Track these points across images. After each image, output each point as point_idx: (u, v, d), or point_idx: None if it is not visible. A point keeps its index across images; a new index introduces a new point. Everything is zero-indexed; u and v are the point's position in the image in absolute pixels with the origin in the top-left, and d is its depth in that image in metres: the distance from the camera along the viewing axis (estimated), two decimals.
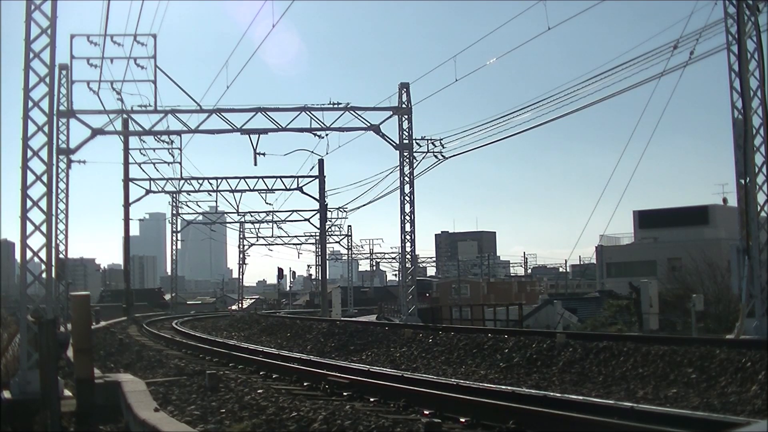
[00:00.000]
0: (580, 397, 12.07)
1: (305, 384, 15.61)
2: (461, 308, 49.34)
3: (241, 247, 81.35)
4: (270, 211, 63.96)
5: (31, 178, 14.10)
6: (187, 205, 65.11)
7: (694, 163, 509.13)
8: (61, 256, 30.27)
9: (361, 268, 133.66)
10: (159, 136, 37.64)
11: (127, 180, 51.93)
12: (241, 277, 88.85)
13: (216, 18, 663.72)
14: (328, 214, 59.93)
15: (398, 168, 34.18)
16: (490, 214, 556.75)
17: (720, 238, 51.68)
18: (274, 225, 70.30)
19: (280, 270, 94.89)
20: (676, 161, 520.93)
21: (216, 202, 60.08)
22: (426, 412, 11.58)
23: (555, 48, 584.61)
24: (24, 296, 14.27)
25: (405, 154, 33.66)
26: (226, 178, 51.71)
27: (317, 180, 51.34)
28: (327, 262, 64.79)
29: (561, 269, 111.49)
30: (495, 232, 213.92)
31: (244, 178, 51.06)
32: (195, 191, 55.06)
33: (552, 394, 12.53)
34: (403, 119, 33.54)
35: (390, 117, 33.55)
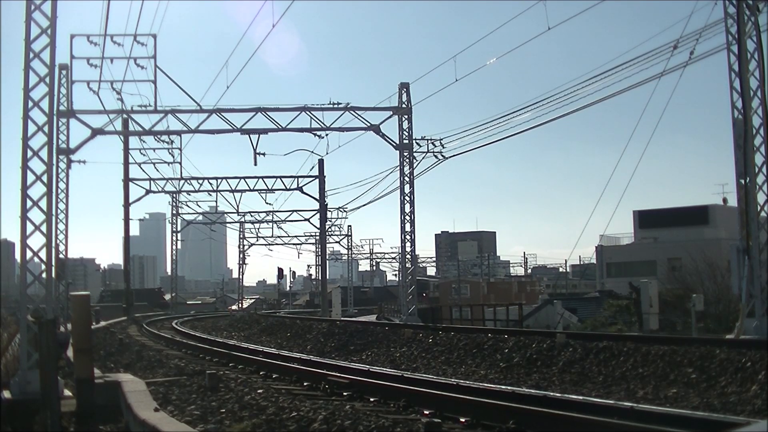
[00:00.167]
0: (580, 397, 12.07)
1: (305, 384, 15.62)
2: (461, 308, 49.32)
3: (241, 247, 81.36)
4: (270, 211, 64.00)
5: (31, 178, 14.11)
6: (187, 205, 65.19)
7: (694, 163, 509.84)
8: (61, 256, 30.28)
9: (361, 268, 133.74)
10: (159, 136, 37.65)
11: (127, 180, 51.97)
12: (241, 277, 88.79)
13: (216, 18, 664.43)
14: (328, 214, 59.95)
15: (398, 168, 34.19)
16: (490, 214, 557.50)
17: (720, 238, 51.69)
18: (274, 225, 70.34)
19: (280, 270, 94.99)
20: (676, 161, 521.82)
21: (216, 202, 60.16)
22: (426, 412, 11.58)
23: (555, 48, 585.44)
24: (24, 296, 14.27)
25: (405, 154, 33.67)
26: (226, 178, 51.72)
27: (317, 180, 51.33)
28: (327, 262, 64.77)
29: (561, 269, 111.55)
30: (495, 232, 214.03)
31: (244, 178, 51.09)
32: (195, 191, 55.06)
33: (552, 394, 12.53)
34: (403, 119, 33.54)
35: (390, 117, 33.56)
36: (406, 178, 33.86)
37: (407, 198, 33.89)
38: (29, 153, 14.16)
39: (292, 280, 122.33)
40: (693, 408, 11.78)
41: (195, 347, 26.67)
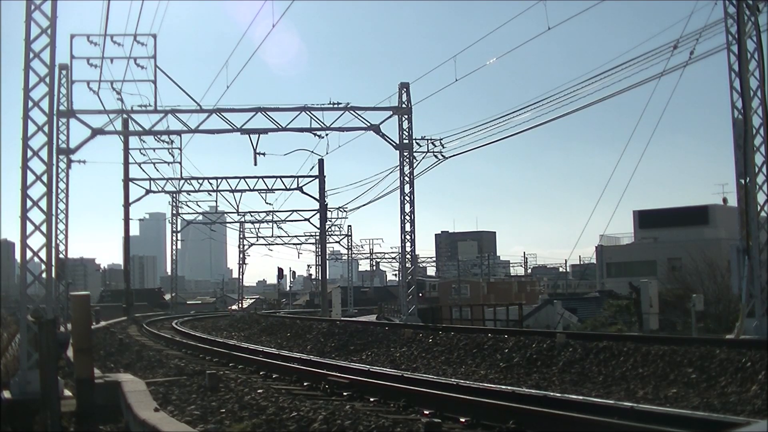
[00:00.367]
0: (580, 397, 12.07)
1: (305, 384, 15.62)
2: (461, 308, 49.30)
3: (241, 247, 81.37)
4: (270, 211, 64.02)
5: (31, 178, 14.10)
6: (187, 205, 65.21)
7: (694, 163, 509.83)
8: (61, 256, 30.29)
9: (361, 268, 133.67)
10: (159, 136, 37.66)
11: (127, 180, 51.97)
12: (241, 277, 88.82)
13: (216, 18, 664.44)
14: (328, 214, 59.96)
15: (398, 168, 34.19)
16: (490, 214, 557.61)
17: (720, 238, 51.64)
18: (274, 225, 70.36)
19: (280, 270, 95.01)
20: (676, 161, 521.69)
21: (216, 202, 60.17)
22: (426, 412, 11.58)
23: (555, 48, 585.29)
24: (24, 296, 14.27)
25: (405, 154, 33.67)
26: (226, 178, 51.74)
27: (317, 180, 51.35)
28: (327, 262, 64.78)
29: (561, 269, 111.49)
30: (495, 232, 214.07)
31: (244, 178, 51.11)
32: (195, 191, 55.11)
33: (552, 394, 12.53)
34: (403, 119, 33.53)
35: (390, 117, 33.56)
36: (406, 178, 33.87)
37: (407, 198, 33.90)
38: (29, 153, 14.15)
39: (292, 280, 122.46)
40: (693, 408, 11.78)
41: (195, 347, 26.68)
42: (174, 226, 70.12)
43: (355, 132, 33.94)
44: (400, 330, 26.90)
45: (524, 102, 79.37)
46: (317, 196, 52.04)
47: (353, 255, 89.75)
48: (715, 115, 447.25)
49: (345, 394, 13.90)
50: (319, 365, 18.39)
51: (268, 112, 32.08)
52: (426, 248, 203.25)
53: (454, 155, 34.74)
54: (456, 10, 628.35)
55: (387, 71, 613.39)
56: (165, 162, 44.16)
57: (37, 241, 14.09)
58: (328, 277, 65.95)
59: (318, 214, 55.60)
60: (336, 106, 32.54)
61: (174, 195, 62.42)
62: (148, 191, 51.27)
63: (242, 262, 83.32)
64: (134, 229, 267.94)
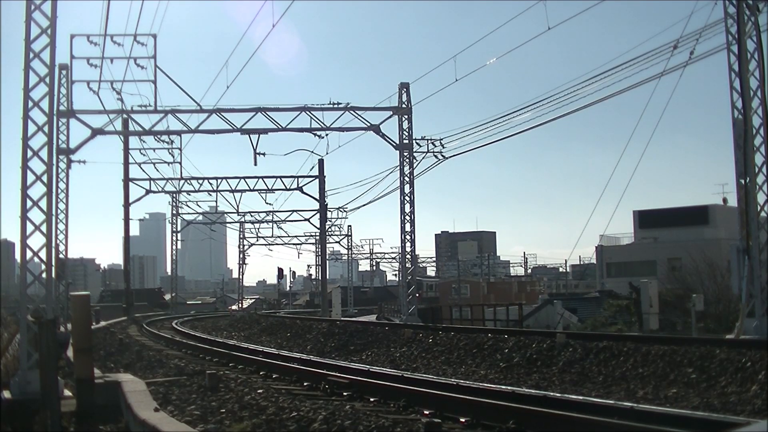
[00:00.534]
0: (580, 397, 12.07)
1: (305, 384, 15.62)
2: (461, 308, 49.30)
3: (241, 247, 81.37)
4: (270, 211, 64.02)
5: (31, 178, 14.10)
6: (187, 205, 65.21)
7: (694, 163, 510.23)
8: (61, 256, 30.27)
9: (361, 268, 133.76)
10: (159, 136, 37.66)
11: (127, 180, 51.99)
12: (241, 277, 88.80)
13: (216, 18, 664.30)
14: (328, 214, 59.95)
15: (398, 168, 34.19)
16: (490, 214, 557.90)
17: (720, 238, 51.63)
18: (274, 225, 70.36)
19: (280, 270, 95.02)
20: (676, 161, 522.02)
21: (216, 202, 60.19)
22: (426, 412, 11.58)
23: (555, 48, 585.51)
24: (24, 296, 14.26)
25: (405, 154, 33.67)
26: (226, 178, 51.75)
27: (317, 180, 51.34)
28: (327, 262, 64.78)
29: (561, 269, 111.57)
30: (495, 232, 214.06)
31: (244, 178, 51.11)
32: (195, 191, 55.10)
33: (552, 394, 12.53)
34: (403, 119, 33.54)
35: (390, 117, 33.56)
36: (406, 178, 33.87)
37: (407, 198, 33.90)
38: (29, 153, 14.15)
39: (292, 280, 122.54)
40: (693, 408, 11.78)
41: (195, 347, 26.68)
42: (174, 226, 70.15)
43: (355, 132, 33.99)
44: (400, 330, 26.90)
45: (524, 102, 79.45)
46: (317, 196, 52.04)
47: (353, 255, 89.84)
48: (715, 115, 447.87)
49: (345, 394, 13.89)
50: (319, 365, 18.39)
51: (268, 112, 32.09)
52: (426, 248, 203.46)
53: (454, 155, 34.80)
54: (456, 10, 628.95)
55: (387, 71, 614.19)
56: (165, 162, 44.23)
57: (37, 241, 14.10)
58: (328, 277, 65.94)
59: (318, 214, 55.60)
60: (336, 106, 32.55)
61: (174, 195, 62.47)
62: (148, 191, 51.31)
63: (242, 262, 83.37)
64: (134, 229, 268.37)
